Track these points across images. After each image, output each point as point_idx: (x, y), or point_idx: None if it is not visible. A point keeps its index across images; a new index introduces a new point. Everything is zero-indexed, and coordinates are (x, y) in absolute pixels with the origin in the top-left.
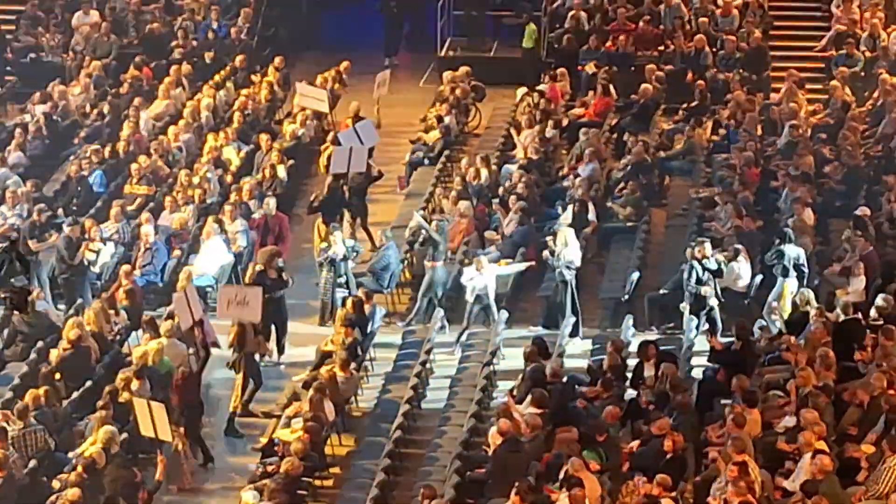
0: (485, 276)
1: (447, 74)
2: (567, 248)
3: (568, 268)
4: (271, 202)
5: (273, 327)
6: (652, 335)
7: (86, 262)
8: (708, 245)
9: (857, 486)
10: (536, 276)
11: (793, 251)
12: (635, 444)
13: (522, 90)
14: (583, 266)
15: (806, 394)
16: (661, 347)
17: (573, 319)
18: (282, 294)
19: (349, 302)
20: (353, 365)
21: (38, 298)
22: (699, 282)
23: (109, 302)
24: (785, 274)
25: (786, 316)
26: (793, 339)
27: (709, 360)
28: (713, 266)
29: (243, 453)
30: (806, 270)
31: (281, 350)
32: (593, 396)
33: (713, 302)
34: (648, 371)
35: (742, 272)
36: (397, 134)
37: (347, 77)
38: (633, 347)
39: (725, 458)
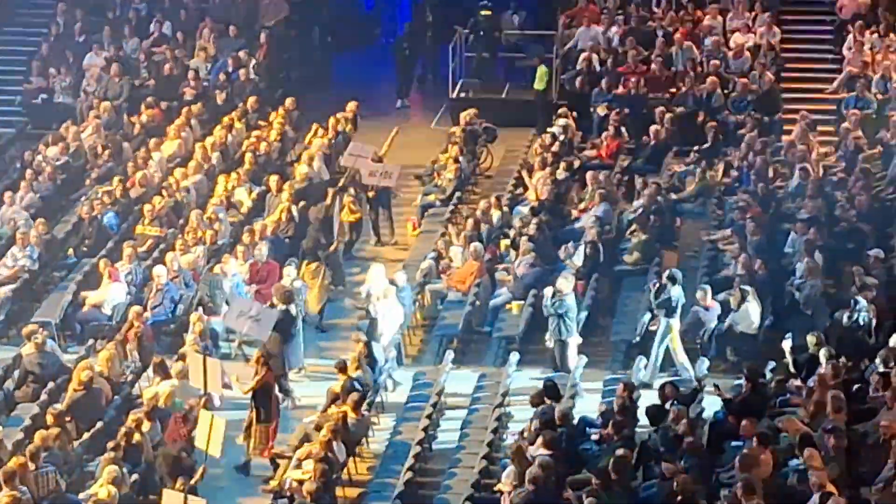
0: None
1: (464, 115)
2: (381, 301)
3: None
4: (263, 248)
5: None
6: (663, 378)
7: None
8: (562, 281)
9: None
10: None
11: (676, 292)
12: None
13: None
14: (594, 308)
15: (802, 436)
16: None
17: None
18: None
19: (359, 345)
20: (364, 406)
21: (45, 338)
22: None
23: (121, 343)
24: (670, 314)
25: (679, 354)
26: (798, 381)
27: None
28: (554, 304)
29: (254, 495)
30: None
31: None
32: (604, 438)
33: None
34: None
35: (752, 315)
36: (409, 175)
37: (358, 118)
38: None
39: (736, 500)
